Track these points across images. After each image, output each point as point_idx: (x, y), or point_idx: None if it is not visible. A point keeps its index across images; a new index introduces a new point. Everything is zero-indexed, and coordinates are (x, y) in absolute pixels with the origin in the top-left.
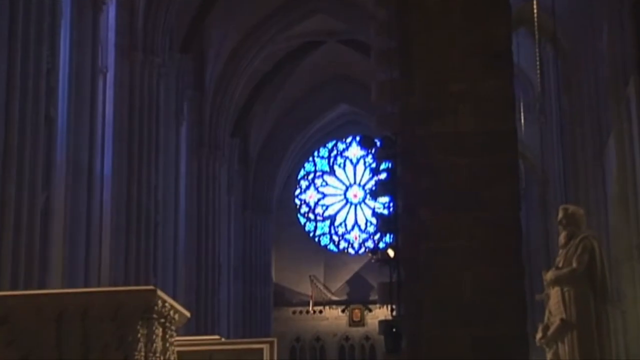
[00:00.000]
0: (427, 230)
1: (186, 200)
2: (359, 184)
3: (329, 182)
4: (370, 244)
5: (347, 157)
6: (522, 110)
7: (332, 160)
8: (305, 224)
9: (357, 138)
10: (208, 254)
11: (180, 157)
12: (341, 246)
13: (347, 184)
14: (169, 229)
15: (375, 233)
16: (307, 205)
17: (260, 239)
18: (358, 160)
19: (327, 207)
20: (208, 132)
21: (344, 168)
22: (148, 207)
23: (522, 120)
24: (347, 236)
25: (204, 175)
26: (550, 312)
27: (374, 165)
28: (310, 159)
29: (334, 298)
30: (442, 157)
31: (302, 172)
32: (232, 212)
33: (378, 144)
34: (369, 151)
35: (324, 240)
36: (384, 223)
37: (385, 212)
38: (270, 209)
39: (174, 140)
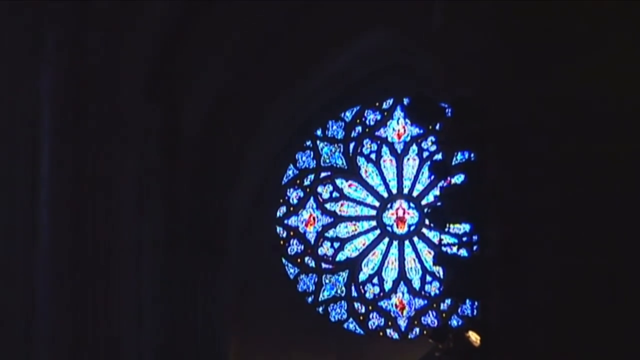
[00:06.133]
0: (547, 291)
1: (51, 228)
2: (408, 197)
3: (346, 192)
4: (431, 319)
5: (383, 142)
6: None
7: (352, 147)
8: (297, 276)
9: (405, 102)
10: (98, 340)
11: (40, 139)
12: (372, 323)
13: (385, 195)
14: (18, 288)
15: (440, 297)
16: (302, 239)
17: (203, 309)
18: (406, 148)
19: (343, 243)
20: (96, 91)
21: (376, 164)
22: None
23: None
24: (383, 303)
25: (87, 176)
26: None
27: (438, 157)
28: (308, 144)
29: None
30: (577, 141)
31: (289, 172)
32: (145, 253)
33: (447, 113)
34: (427, 128)
35: (338, 312)
36: (459, 276)
37: (463, 252)
38: (223, 246)
39: (25, 105)
